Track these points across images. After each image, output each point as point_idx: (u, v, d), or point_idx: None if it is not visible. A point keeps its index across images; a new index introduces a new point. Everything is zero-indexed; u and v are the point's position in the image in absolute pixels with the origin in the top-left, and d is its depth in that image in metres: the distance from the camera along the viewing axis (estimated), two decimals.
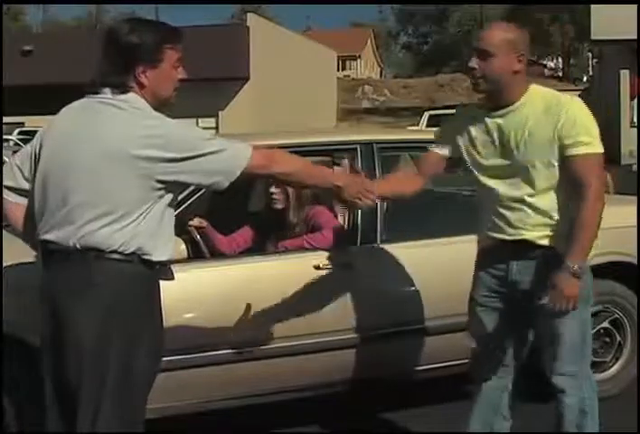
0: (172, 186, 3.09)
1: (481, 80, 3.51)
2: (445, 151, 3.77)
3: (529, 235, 3.56)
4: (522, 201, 3.55)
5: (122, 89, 3.10)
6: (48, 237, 3.08)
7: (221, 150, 3.08)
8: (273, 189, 4.67)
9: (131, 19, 3.29)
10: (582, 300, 3.52)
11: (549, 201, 3.54)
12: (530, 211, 3.55)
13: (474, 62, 3.50)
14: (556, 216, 3.54)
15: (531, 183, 3.53)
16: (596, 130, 3.50)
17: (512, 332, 3.74)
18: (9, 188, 3.26)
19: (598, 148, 3.49)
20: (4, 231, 3.90)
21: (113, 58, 3.12)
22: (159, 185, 3.04)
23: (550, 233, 3.54)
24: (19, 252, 3.61)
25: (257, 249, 4.71)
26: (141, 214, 3.03)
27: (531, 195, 3.54)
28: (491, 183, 3.64)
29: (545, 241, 3.55)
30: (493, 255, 3.71)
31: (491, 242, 3.70)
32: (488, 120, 3.59)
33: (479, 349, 3.82)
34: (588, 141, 3.45)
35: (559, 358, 3.60)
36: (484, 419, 3.85)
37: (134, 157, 2.98)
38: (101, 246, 3.01)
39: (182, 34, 3.25)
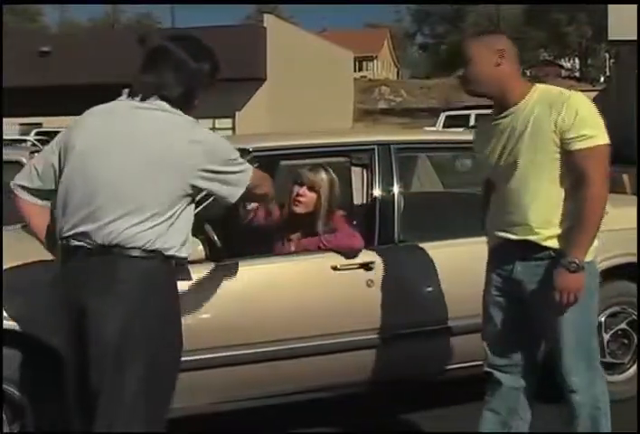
0: (198, 191, 3.25)
1: (468, 83, 3.65)
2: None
3: (533, 236, 3.56)
4: (526, 199, 3.56)
5: (179, 106, 3.26)
6: (71, 233, 3.14)
7: (246, 169, 3.35)
8: (302, 190, 4.56)
9: (190, 40, 3.41)
10: (585, 295, 3.50)
11: (553, 199, 3.53)
12: (534, 209, 3.55)
13: (459, 71, 3.66)
14: (561, 214, 3.53)
15: (535, 180, 3.53)
16: (599, 122, 3.51)
17: (522, 331, 3.74)
18: (24, 188, 3.34)
19: (601, 140, 3.47)
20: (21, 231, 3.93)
21: (180, 79, 3.26)
22: (190, 191, 3.19)
23: (555, 233, 3.53)
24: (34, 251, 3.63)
25: (273, 249, 4.71)
26: (171, 216, 3.15)
27: (535, 193, 3.54)
28: (500, 183, 3.69)
29: (550, 243, 3.54)
30: (500, 254, 3.73)
31: (498, 241, 3.72)
32: (498, 123, 3.65)
33: (491, 348, 3.82)
34: (592, 134, 3.44)
35: (566, 356, 3.59)
36: (498, 420, 3.84)
37: (179, 163, 3.13)
38: (127, 244, 3.08)
39: None
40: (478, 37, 3.69)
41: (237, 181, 3.29)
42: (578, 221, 3.45)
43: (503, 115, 3.62)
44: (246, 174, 3.34)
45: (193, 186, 3.19)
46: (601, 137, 3.47)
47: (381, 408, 5.10)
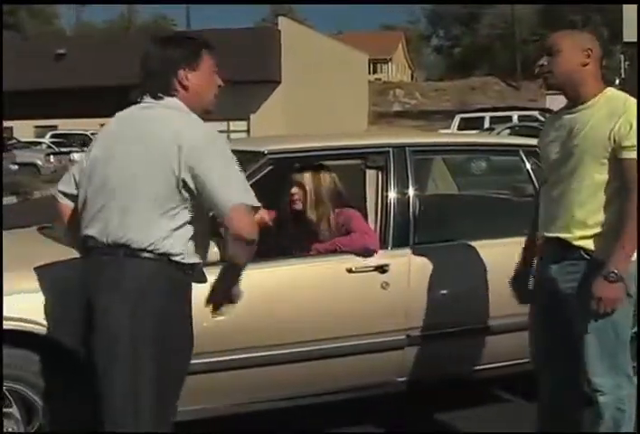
0: (197, 195, 3.14)
1: (549, 74, 3.65)
2: None
3: (566, 234, 3.58)
4: (567, 200, 3.59)
5: (166, 92, 3.25)
6: (86, 232, 3.24)
7: (235, 181, 3.14)
8: (293, 189, 4.66)
9: (163, 36, 3.42)
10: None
11: (593, 202, 3.54)
12: (572, 209, 3.57)
13: (543, 60, 3.66)
14: (598, 218, 3.54)
15: (579, 182, 3.55)
16: None
17: (558, 330, 3.76)
18: (63, 193, 3.48)
19: None
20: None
21: (154, 69, 3.27)
22: (186, 194, 3.12)
23: (588, 234, 3.55)
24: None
25: (288, 252, 4.71)
26: (173, 217, 3.14)
27: (577, 195, 3.56)
28: (549, 177, 3.73)
29: (581, 242, 3.56)
30: (543, 252, 3.79)
31: (542, 240, 3.77)
32: (564, 117, 3.69)
33: (532, 346, 3.90)
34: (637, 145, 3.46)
35: (590, 357, 3.60)
36: (545, 418, 3.91)
37: (172, 157, 3.10)
38: (132, 244, 3.13)
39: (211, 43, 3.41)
40: (570, 32, 3.72)
41: (226, 183, 3.10)
42: (620, 231, 3.45)
43: (574, 110, 3.65)
44: (238, 178, 3.16)
45: (185, 183, 3.08)
46: None
47: (405, 409, 5.09)
